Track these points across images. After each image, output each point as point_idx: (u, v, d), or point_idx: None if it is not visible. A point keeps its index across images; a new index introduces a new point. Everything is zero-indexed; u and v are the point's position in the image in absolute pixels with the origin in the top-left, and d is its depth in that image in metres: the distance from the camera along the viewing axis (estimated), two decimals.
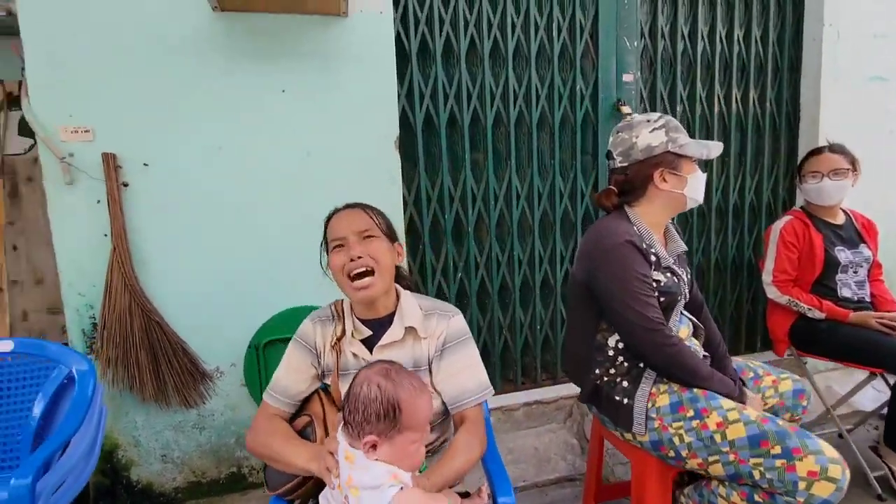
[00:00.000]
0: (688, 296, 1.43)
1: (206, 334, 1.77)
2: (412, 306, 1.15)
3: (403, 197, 2.10)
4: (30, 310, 1.87)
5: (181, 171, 1.72)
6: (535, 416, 2.24)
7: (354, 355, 1.11)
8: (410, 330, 1.11)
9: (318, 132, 1.84)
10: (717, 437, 1.16)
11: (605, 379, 1.36)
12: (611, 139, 1.39)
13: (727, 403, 1.21)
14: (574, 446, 2.12)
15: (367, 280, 1.04)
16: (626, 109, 2.30)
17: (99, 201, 1.63)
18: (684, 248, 1.44)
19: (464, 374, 1.11)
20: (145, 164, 1.68)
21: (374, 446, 0.83)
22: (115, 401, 1.68)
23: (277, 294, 1.83)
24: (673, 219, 1.46)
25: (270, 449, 1.02)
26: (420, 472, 0.98)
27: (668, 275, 1.33)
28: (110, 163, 1.62)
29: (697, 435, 1.19)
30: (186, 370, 1.72)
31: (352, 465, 0.84)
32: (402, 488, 0.83)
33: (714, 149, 1.35)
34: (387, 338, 1.10)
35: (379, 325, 1.12)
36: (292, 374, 1.13)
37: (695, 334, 1.45)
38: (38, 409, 1.30)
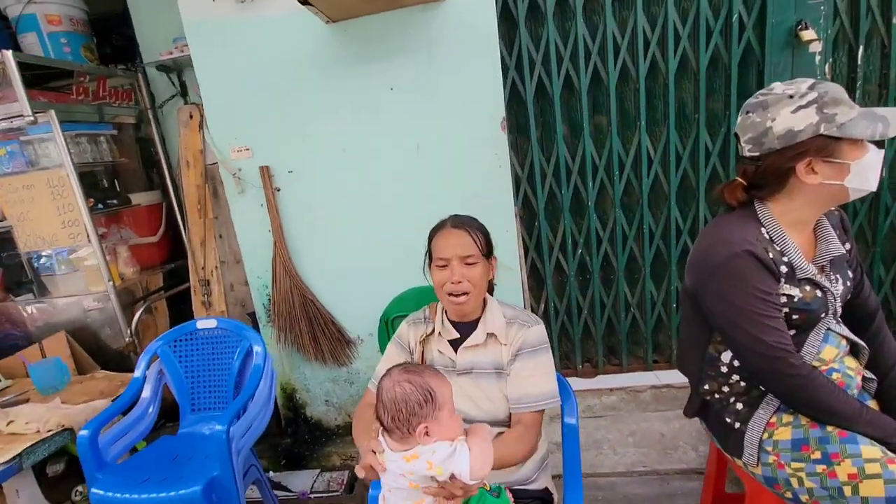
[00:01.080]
0: (839, 308, 1.13)
1: (347, 309, 2.12)
2: (496, 314, 1.22)
3: (516, 174, 2.06)
4: (234, 283, 2.51)
5: (317, 173, 1.99)
6: (664, 399, 2.10)
7: (440, 352, 1.23)
8: (492, 336, 1.19)
9: (426, 124, 1.89)
10: (847, 491, 0.96)
11: (717, 396, 1.21)
12: (738, 119, 1.12)
13: (870, 451, 0.97)
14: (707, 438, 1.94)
15: (462, 298, 1.15)
16: (808, 35, 1.76)
17: (262, 205, 2.03)
18: (841, 251, 1.12)
19: (530, 381, 1.14)
20: (290, 172, 2.00)
21: (426, 432, 0.92)
22: (290, 357, 2.18)
23: (401, 275, 2.02)
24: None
25: (356, 430, 1.21)
26: None
27: (808, 287, 1.07)
28: (265, 173, 1.98)
29: (822, 483, 1.00)
30: (335, 337, 2.10)
31: (418, 459, 0.91)
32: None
33: (894, 122, 0.98)
34: (470, 341, 1.20)
35: (465, 329, 1.22)
36: (389, 367, 1.31)
37: (853, 352, 1.16)
38: (235, 368, 1.79)
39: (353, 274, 2.08)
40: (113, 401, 1.73)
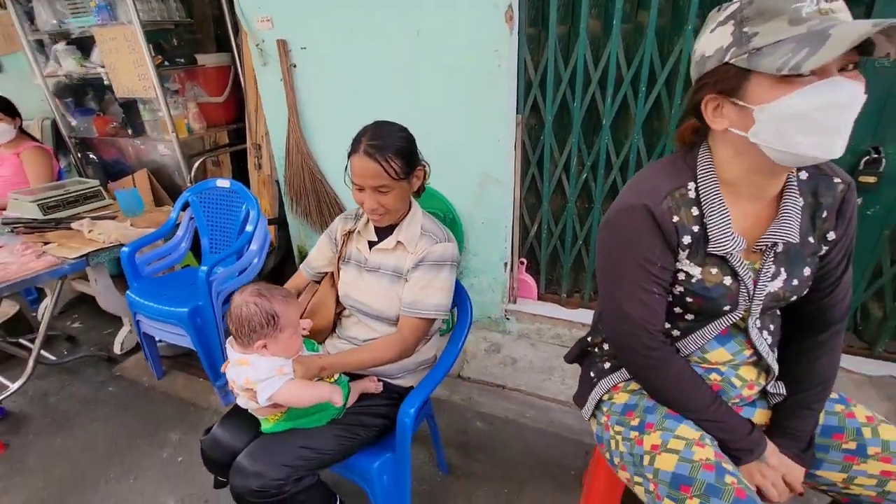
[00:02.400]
0: (757, 309, 0.90)
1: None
2: (414, 225, 1.24)
3: (528, 77, 1.83)
4: None
5: (327, 51, 2.00)
6: None
7: (358, 249, 1.32)
8: (400, 244, 1.24)
9: (428, 11, 1.73)
10: (646, 460, 0.90)
11: (595, 350, 1.15)
12: None
13: (686, 431, 0.88)
14: None
15: (377, 218, 1.20)
16: None
17: (282, 79, 2.13)
18: (795, 238, 0.86)
19: (422, 291, 1.19)
20: (303, 48, 2.03)
21: (265, 346, 1.07)
22: (303, 225, 2.45)
23: None
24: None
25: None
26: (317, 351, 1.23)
27: (715, 270, 0.86)
28: (282, 48, 2.04)
29: (630, 448, 0.95)
30: (338, 214, 2.28)
31: (247, 366, 1.04)
32: (290, 379, 1.08)
33: (837, 44, 0.64)
34: (382, 244, 1.27)
35: (383, 233, 1.28)
36: (317, 254, 1.42)
37: (758, 365, 0.97)
38: (239, 222, 2.09)
39: None
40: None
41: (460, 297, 1.39)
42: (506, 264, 2.06)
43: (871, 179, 1.47)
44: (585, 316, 2.07)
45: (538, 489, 1.54)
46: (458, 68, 1.78)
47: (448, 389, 2.02)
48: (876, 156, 1.45)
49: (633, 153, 1.78)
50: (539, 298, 2.22)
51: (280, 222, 2.68)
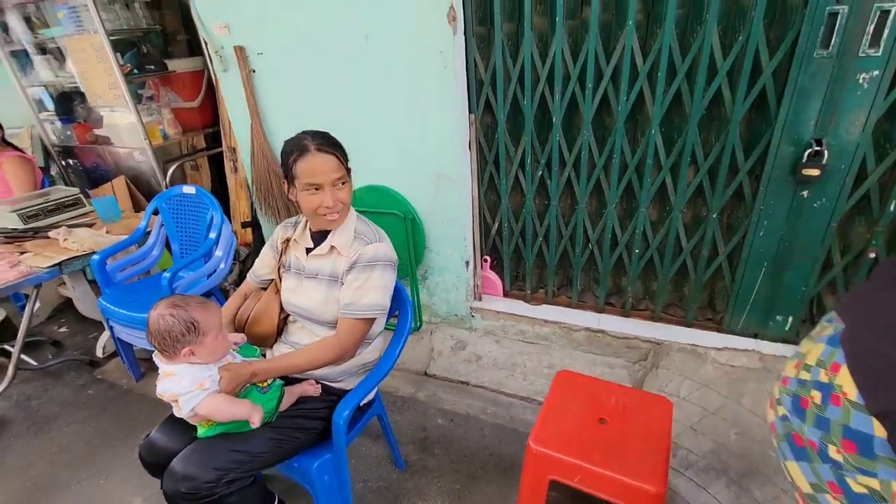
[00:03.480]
0: None
1: None
2: (347, 230, 1.27)
3: (479, 77, 1.83)
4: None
5: (283, 56, 2.01)
6: (597, 343, 1.98)
7: (296, 257, 1.35)
8: (334, 249, 1.27)
9: (375, 14, 1.73)
10: None
11: None
12: None
13: None
14: None
15: (334, 216, 1.21)
16: None
17: (242, 85, 2.15)
18: None
19: (357, 291, 1.21)
20: (259, 53, 2.05)
21: (192, 352, 1.07)
22: (273, 226, 2.48)
23: (359, 170, 2.09)
24: None
25: (226, 308, 1.44)
26: (260, 355, 1.28)
27: None
28: (240, 54, 2.06)
29: None
30: None
31: (172, 377, 1.07)
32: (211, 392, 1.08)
33: None
34: (317, 250, 1.30)
35: (319, 239, 1.31)
36: (261, 262, 1.46)
37: None
38: (204, 228, 2.14)
39: None
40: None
41: (402, 301, 1.42)
42: (467, 263, 2.09)
43: (815, 172, 1.46)
44: (549, 312, 2.09)
45: (490, 483, 1.58)
46: (406, 71, 1.79)
47: (414, 387, 2.06)
48: (818, 148, 1.44)
49: (585, 150, 1.78)
50: (505, 295, 2.24)
51: (254, 224, 2.73)
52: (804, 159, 1.46)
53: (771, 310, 1.73)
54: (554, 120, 1.78)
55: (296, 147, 1.18)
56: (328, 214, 1.20)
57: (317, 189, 1.16)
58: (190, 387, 1.06)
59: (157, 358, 1.12)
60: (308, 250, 1.31)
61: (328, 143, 1.18)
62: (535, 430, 1.14)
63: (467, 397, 1.98)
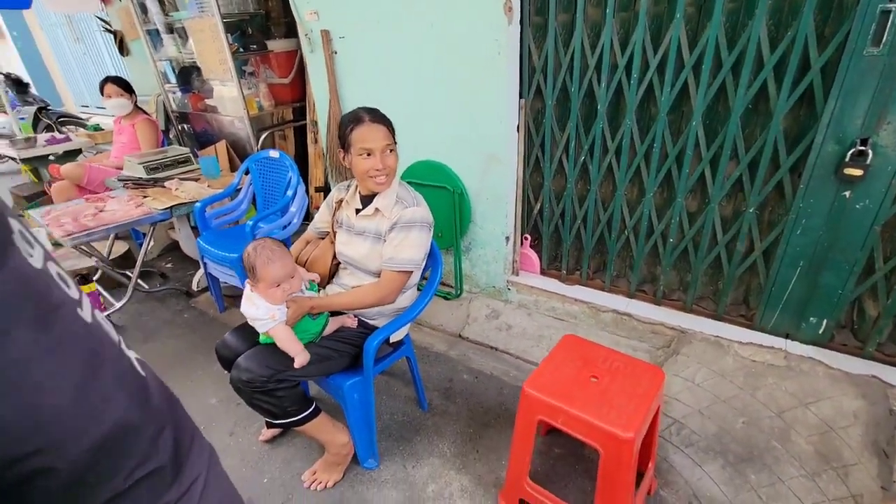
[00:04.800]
0: None
1: None
2: (391, 195, 1.47)
3: (532, 64, 1.96)
4: None
5: (361, 40, 2.27)
6: (623, 326, 2.06)
7: (347, 216, 1.59)
8: (378, 211, 1.49)
9: (439, 5, 1.92)
10: None
11: None
12: None
13: None
14: None
15: (383, 179, 1.42)
16: None
17: (325, 64, 2.45)
18: None
19: (397, 248, 1.42)
20: (341, 37, 2.32)
21: (253, 285, 1.36)
22: None
23: (418, 146, 2.31)
24: None
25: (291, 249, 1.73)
26: (315, 291, 1.52)
27: None
28: (325, 37, 2.35)
29: None
30: None
31: (251, 302, 1.35)
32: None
33: None
34: (364, 211, 1.51)
35: (367, 201, 1.54)
36: (319, 217, 1.71)
37: None
38: (283, 187, 2.48)
39: None
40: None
41: (434, 259, 1.62)
42: (507, 238, 2.24)
43: (858, 172, 1.43)
44: (581, 293, 2.19)
45: (499, 433, 1.76)
46: (463, 57, 1.95)
47: (447, 345, 2.28)
48: (863, 148, 1.41)
49: (626, 138, 1.85)
50: (541, 273, 2.37)
51: (326, 190, 3.06)
52: (847, 158, 1.44)
53: (804, 311, 1.71)
54: (599, 107, 1.87)
55: (352, 119, 1.40)
56: (377, 177, 1.40)
57: (368, 154, 1.38)
58: (264, 315, 1.34)
59: (247, 283, 1.40)
60: (357, 211, 1.54)
61: (379, 116, 1.42)
62: (531, 377, 1.30)
63: (494, 360, 2.15)
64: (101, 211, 2.46)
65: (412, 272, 1.48)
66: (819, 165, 1.51)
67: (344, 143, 1.43)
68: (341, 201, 1.61)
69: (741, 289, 1.91)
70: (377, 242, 1.49)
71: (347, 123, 1.41)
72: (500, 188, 2.14)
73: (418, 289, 1.68)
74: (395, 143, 1.43)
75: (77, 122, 5.86)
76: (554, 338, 2.15)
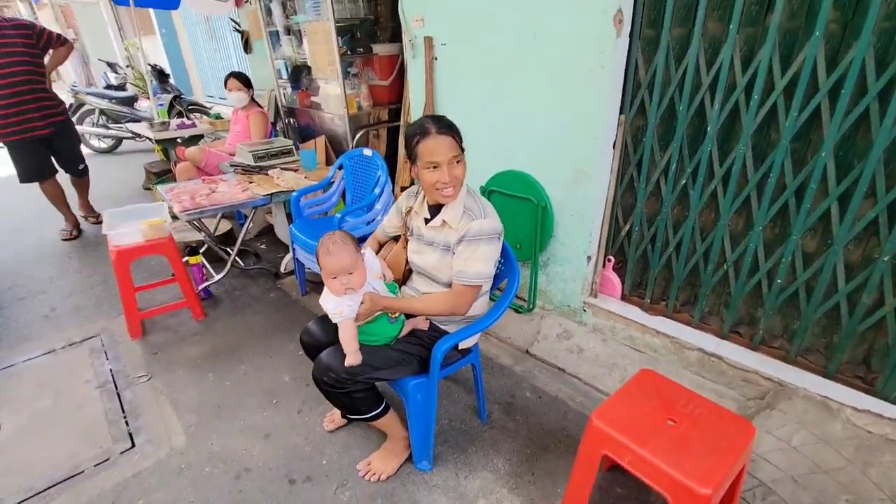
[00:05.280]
0: None
1: None
2: (458, 206, 1.43)
3: (637, 79, 1.86)
4: None
5: (462, 47, 2.30)
6: (710, 368, 1.87)
7: (417, 225, 1.55)
8: (445, 222, 1.45)
9: (544, 13, 1.88)
10: None
11: None
12: None
13: None
14: None
15: (450, 191, 1.38)
16: None
17: (424, 70, 2.52)
18: None
19: (466, 262, 1.39)
20: (443, 44, 2.37)
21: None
22: None
23: (506, 156, 2.30)
24: None
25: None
26: (393, 292, 1.53)
27: None
28: (428, 43, 2.42)
29: None
30: None
31: (325, 294, 1.39)
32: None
33: None
34: (432, 223, 1.49)
35: (435, 211, 1.49)
36: (388, 222, 1.70)
37: None
38: (372, 184, 2.58)
39: (473, 146, 2.42)
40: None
41: (511, 268, 1.59)
42: (589, 258, 2.14)
43: None
44: (666, 325, 2.03)
45: (558, 459, 1.68)
46: (564, 68, 1.90)
47: (513, 360, 2.23)
48: None
49: (738, 164, 1.69)
50: (622, 298, 2.24)
51: None
52: None
53: None
54: (709, 129, 1.72)
55: (418, 130, 1.36)
56: (444, 189, 1.36)
57: (435, 167, 1.33)
58: (333, 309, 1.37)
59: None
60: (426, 220, 1.51)
61: (445, 126, 1.36)
62: (601, 408, 1.22)
63: (560, 382, 2.07)
64: (213, 192, 2.73)
65: (482, 285, 1.44)
66: None
67: (411, 156, 1.40)
68: (410, 209, 1.59)
69: (862, 347, 1.65)
70: (446, 254, 1.46)
71: (413, 135, 1.37)
72: (586, 205, 2.05)
73: (492, 298, 1.66)
74: (463, 150, 1.39)
75: (202, 110, 6.59)
76: (629, 369, 2.02)
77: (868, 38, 1.34)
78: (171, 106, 6.07)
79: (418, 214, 1.54)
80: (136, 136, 5.68)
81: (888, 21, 1.34)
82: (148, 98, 7.08)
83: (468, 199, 1.45)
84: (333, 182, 2.83)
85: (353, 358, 1.37)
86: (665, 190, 1.93)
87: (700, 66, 1.69)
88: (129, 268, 2.35)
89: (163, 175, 4.50)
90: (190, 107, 6.41)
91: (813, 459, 1.47)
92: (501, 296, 1.55)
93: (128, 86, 8.10)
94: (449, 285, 1.48)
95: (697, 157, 1.79)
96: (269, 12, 3.70)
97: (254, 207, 2.74)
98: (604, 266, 2.22)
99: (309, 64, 3.44)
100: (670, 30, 1.72)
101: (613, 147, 1.95)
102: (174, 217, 2.69)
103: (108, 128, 6.35)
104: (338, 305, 1.36)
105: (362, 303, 1.38)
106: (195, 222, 2.89)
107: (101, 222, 3.72)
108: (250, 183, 2.89)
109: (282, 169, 3.11)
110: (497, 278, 1.68)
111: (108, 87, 7.30)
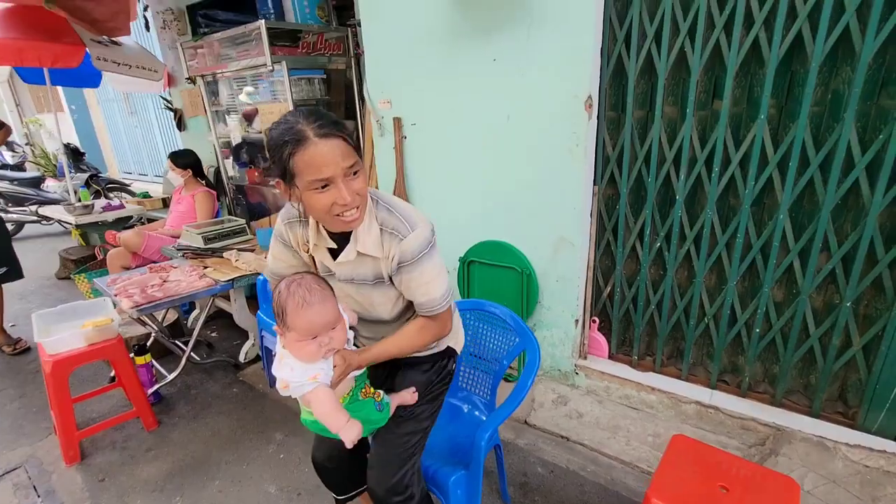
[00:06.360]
0: None
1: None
2: (371, 227, 1.08)
3: (606, 154, 2.03)
4: None
5: (431, 127, 2.39)
6: (708, 419, 1.95)
7: (321, 262, 1.16)
8: (362, 255, 1.10)
9: (518, 96, 2.03)
10: None
11: None
12: None
13: None
14: None
15: (353, 214, 1.01)
16: None
17: (394, 148, 2.57)
18: None
19: (419, 290, 1.12)
20: (413, 124, 2.45)
21: (282, 334, 1.03)
22: None
23: (485, 225, 2.35)
24: None
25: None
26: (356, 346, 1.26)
27: None
28: (397, 124, 2.48)
29: None
30: None
31: (282, 362, 1.04)
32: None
33: None
34: (343, 257, 1.10)
35: (340, 238, 1.10)
36: (278, 262, 1.24)
37: None
38: None
39: (447, 218, 2.48)
40: None
41: (528, 339, 1.57)
42: (577, 321, 2.20)
43: None
44: (657, 380, 2.11)
45: None
46: (540, 147, 2.04)
47: (514, 433, 2.16)
48: None
49: (707, 227, 1.87)
50: (610, 357, 2.30)
51: None
52: None
53: None
54: (677, 197, 1.91)
55: (289, 136, 0.94)
56: (345, 213, 1.00)
57: (325, 186, 0.95)
58: (299, 378, 1.03)
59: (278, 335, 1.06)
60: (332, 251, 1.13)
61: (330, 124, 0.95)
62: (655, 486, 1.21)
63: (567, 452, 2.03)
64: (165, 281, 2.48)
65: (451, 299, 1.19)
66: None
67: (283, 174, 0.98)
68: (307, 244, 1.16)
69: (836, 385, 1.82)
70: (380, 286, 1.14)
71: (282, 145, 0.95)
72: (571, 270, 2.14)
73: (506, 378, 1.62)
74: (361, 157, 1.08)
75: (124, 188, 6.12)
76: (632, 429, 2.04)
77: (804, 121, 1.59)
78: (88, 185, 5.57)
79: (318, 247, 1.13)
80: (45, 219, 5.10)
81: (817, 106, 1.61)
82: (56, 178, 6.47)
83: (379, 212, 1.10)
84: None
85: (351, 432, 1.05)
86: (642, 253, 2.07)
87: (662, 142, 1.89)
88: (67, 380, 2.00)
89: (85, 262, 4.02)
90: (108, 185, 5.93)
91: (826, 501, 1.54)
92: (524, 373, 1.52)
93: (27, 164, 7.38)
94: (397, 318, 1.22)
95: (669, 222, 1.96)
96: (214, 93, 3.63)
97: (213, 295, 2.52)
98: (589, 327, 2.28)
99: (262, 142, 3.36)
100: (632, 112, 1.92)
101: (590, 216, 2.08)
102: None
103: (6, 211, 5.65)
104: (306, 372, 1.02)
105: (334, 365, 1.07)
106: (144, 316, 2.58)
107: (21, 351, 3.11)
108: (205, 268, 2.68)
109: (238, 251, 2.92)
110: (509, 354, 1.66)
111: (4, 166, 6.60)
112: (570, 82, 1.89)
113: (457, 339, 1.40)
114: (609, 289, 2.22)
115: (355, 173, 0.98)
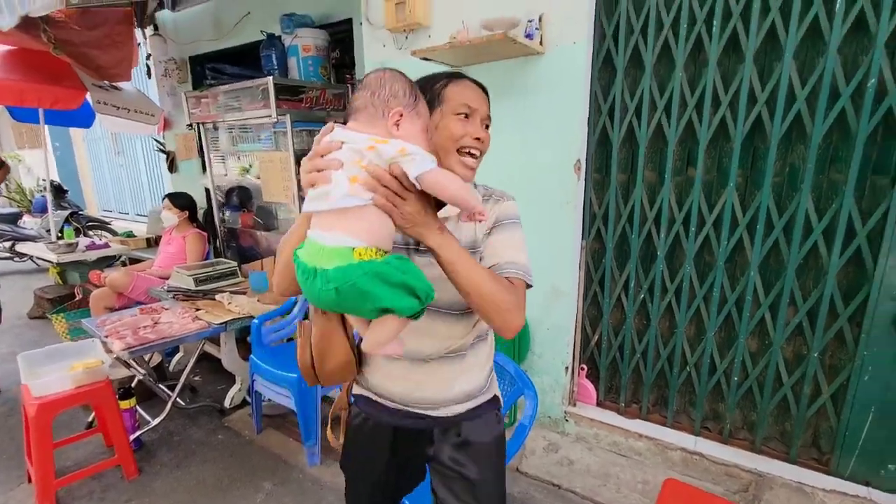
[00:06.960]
0: None
1: None
2: (473, 189, 1.09)
3: (593, 211, 2.21)
4: None
5: None
6: (694, 466, 2.02)
7: None
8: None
9: (516, 160, 2.21)
10: None
11: None
12: None
13: None
14: None
15: (474, 161, 0.99)
16: None
17: None
18: None
19: (507, 251, 1.00)
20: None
21: (398, 122, 0.82)
22: None
23: None
24: None
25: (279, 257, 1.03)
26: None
27: None
28: None
29: None
30: None
31: (387, 144, 0.78)
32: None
33: None
34: (443, 211, 0.94)
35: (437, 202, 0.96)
36: None
37: None
38: None
39: None
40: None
41: (525, 382, 1.64)
42: (567, 368, 2.29)
43: None
44: (644, 427, 2.18)
45: None
46: (535, 204, 2.20)
47: (507, 481, 2.17)
48: None
49: (686, 281, 2.03)
50: (598, 405, 2.37)
51: None
52: None
53: (884, 458, 1.74)
54: (658, 253, 2.07)
55: (446, 75, 1.01)
56: (472, 149, 0.96)
57: (468, 114, 0.95)
58: (424, 152, 0.80)
59: (347, 128, 0.83)
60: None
61: (479, 84, 1.02)
62: None
63: (559, 500, 2.05)
64: (157, 323, 2.47)
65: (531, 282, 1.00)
66: (878, 319, 1.68)
67: (432, 98, 0.97)
68: None
69: (809, 432, 1.94)
70: (473, 257, 0.93)
71: (439, 78, 1.00)
72: (562, 319, 2.25)
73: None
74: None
75: (104, 227, 6.04)
76: (622, 476, 2.09)
77: (768, 190, 1.80)
78: (69, 222, 5.48)
79: None
80: (18, 255, 4.97)
81: (778, 177, 1.82)
82: (31, 215, 6.35)
83: (479, 186, 1.11)
84: (296, 304, 2.73)
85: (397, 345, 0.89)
86: (627, 304, 2.20)
87: (644, 204, 2.08)
88: (51, 424, 1.94)
89: (62, 302, 3.91)
90: (89, 224, 5.85)
91: None
92: (523, 417, 1.59)
93: (0, 199, 7.22)
94: (460, 313, 1.03)
95: (651, 275, 2.12)
96: (214, 139, 3.73)
97: (204, 338, 2.51)
98: (578, 375, 2.37)
99: (257, 187, 3.46)
100: (616, 176, 2.12)
101: (579, 267, 2.22)
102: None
103: None
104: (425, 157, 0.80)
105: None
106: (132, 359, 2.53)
107: None
108: (197, 311, 2.67)
109: (231, 293, 2.93)
110: (506, 402, 1.72)
111: None
112: (561, 145, 2.08)
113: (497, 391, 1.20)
114: (596, 337, 2.33)
115: (487, 127, 1.01)
